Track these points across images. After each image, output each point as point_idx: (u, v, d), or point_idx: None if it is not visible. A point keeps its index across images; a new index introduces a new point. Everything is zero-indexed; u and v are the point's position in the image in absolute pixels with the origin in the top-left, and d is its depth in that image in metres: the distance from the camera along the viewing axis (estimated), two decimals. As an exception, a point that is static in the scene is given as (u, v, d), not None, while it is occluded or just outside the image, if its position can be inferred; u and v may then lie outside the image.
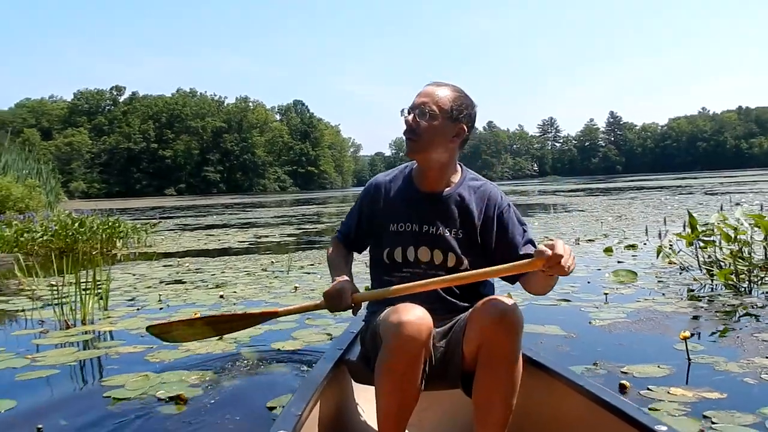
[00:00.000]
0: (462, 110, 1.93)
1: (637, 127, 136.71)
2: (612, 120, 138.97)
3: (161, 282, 6.63)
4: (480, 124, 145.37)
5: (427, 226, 1.96)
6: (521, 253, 1.91)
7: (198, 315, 3.29)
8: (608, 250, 7.68)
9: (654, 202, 18.88)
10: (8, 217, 11.56)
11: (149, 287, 6.29)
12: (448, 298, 1.94)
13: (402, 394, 1.71)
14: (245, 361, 3.51)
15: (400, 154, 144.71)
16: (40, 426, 2.57)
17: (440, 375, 1.82)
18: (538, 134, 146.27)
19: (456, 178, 2.01)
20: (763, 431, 2.29)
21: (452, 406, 2.11)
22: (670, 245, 6.39)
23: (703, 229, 5.76)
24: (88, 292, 4.96)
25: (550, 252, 1.64)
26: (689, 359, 3.14)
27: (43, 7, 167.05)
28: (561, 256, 1.62)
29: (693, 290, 5.10)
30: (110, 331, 4.42)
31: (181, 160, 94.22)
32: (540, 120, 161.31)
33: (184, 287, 6.18)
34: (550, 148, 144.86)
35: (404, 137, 1.95)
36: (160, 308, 5.15)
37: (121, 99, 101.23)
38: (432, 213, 1.96)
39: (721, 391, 2.68)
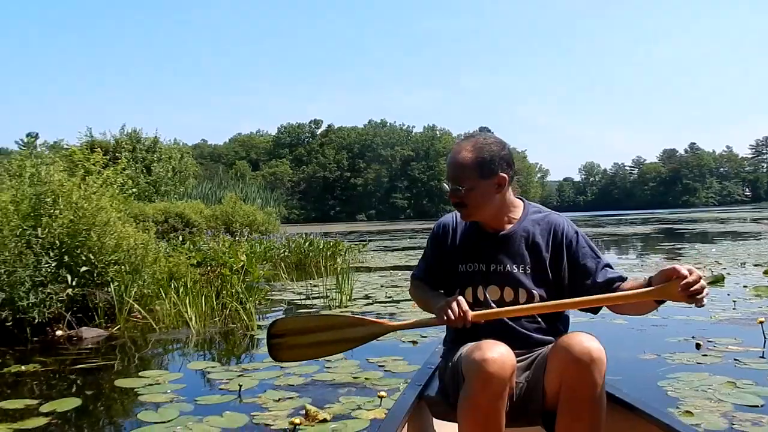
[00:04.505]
0: (492, 162, 1.93)
1: None
2: None
3: (381, 286, 8.81)
4: (681, 147, 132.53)
5: (495, 264, 1.98)
6: (599, 280, 1.92)
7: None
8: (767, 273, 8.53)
9: None
10: (258, 237, 14.68)
11: (375, 289, 8.50)
12: (525, 332, 1.94)
13: (485, 431, 1.71)
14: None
15: (590, 179, 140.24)
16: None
17: (520, 412, 1.82)
18: (750, 155, 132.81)
19: (518, 214, 2.04)
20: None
21: None
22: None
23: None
24: (339, 289, 7.21)
25: (686, 272, 1.63)
26: (765, 338, 4.46)
27: (251, 54, 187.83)
28: (700, 278, 1.63)
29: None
30: (357, 311, 6.59)
31: (372, 187, 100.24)
32: (753, 140, 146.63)
33: (401, 289, 8.28)
34: (765, 170, 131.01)
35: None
36: (388, 300, 7.29)
37: (318, 131, 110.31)
38: (498, 251, 1.99)
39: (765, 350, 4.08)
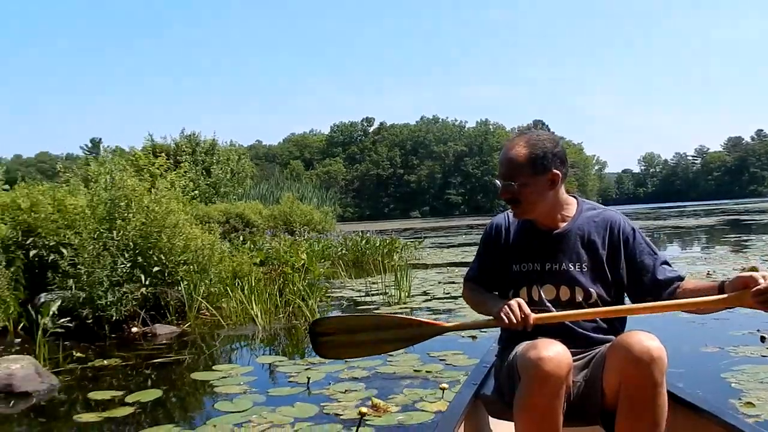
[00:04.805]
0: (545, 159, 1.93)
1: None
2: None
3: (439, 283, 8.92)
4: (747, 134, 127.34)
5: (550, 263, 1.96)
6: (659, 277, 1.92)
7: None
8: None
9: None
10: (316, 236, 14.99)
11: (432, 285, 8.62)
12: (582, 331, 1.92)
13: (542, 430, 1.71)
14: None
15: (651, 170, 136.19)
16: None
17: (578, 411, 1.81)
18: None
19: (571, 212, 2.02)
20: None
21: None
22: None
23: None
24: (397, 286, 7.36)
25: (762, 280, 1.62)
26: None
27: (303, 53, 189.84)
28: None
29: None
30: (416, 307, 6.72)
31: (425, 183, 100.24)
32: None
33: (458, 285, 8.34)
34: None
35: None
36: (446, 296, 7.40)
37: (371, 129, 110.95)
38: (552, 250, 1.98)
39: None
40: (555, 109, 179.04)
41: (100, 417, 3.39)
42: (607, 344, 1.83)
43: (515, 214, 2.02)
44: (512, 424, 1.79)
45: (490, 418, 2.19)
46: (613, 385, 1.73)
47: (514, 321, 1.80)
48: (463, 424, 1.96)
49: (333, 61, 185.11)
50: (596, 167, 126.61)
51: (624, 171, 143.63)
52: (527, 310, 1.81)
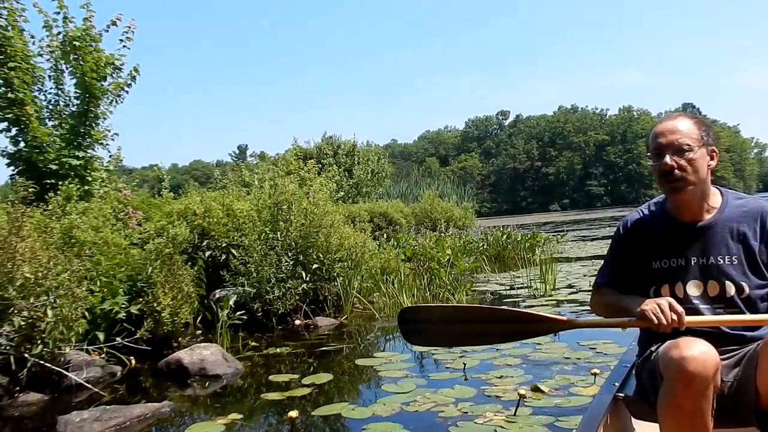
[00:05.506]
0: (708, 133, 1.89)
1: None
2: None
3: (584, 276, 8.83)
4: None
5: (696, 257, 1.87)
6: None
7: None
8: None
9: None
10: (457, 232, 15.25)
11: (577, 278, 8.58)
12: (731, 331, 1.83)
13: None
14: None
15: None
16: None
17: (730, 412, 1.73)
18: None
19: (716, 202, 1.93)
20: None
21: None
22: None
23: None
24: (542, 279, 7.42)
25: None
26: None
27: (434, 51, 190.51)
28: None
29: None
30: (561, 300, 6.77)
31: (564, 175, 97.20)
32: None
33: (605, 278, 8.27)
34: None
35: (663, 181, 1.88)
36: (591, 288, 7.34)
37: (506, 123, 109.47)
38: (699, 243, 1.88)
39: None
40: (705, 91, 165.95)
41: (283, 396, 3.87)
42: (760, 341, 1.74)
43: (672, 190, 1.87)
44: (656, 425, 1.74)
45: (633, 419, 2.15)
46: None
47: (664, 322, 1.71)
48: (603, 425, 1.92)
49: (465, 56, 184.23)
50: (755, 150, 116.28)
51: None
52: (679, 308, 1.72)
